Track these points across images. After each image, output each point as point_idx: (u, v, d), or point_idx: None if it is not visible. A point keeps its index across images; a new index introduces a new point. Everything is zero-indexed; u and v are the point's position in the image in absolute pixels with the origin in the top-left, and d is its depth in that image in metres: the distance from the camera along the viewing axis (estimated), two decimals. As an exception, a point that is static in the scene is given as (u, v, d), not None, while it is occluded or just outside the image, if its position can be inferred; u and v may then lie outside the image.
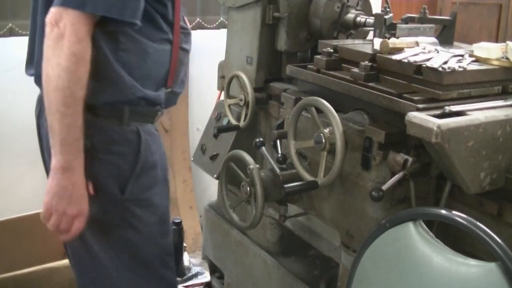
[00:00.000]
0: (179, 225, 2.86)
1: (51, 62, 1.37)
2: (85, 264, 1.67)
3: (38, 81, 1.48)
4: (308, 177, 1.73)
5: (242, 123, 2.29)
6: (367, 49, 1.86)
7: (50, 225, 1.49)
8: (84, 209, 1.48)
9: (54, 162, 1.42)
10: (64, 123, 1.38)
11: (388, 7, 2.13)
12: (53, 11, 1.38)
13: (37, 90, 1.63)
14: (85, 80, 1.39)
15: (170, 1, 1.54)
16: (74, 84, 1.37)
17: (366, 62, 1.76)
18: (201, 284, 2.80)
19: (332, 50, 1.93)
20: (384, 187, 1.53)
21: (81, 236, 1.56)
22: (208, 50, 3.37)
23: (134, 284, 1.63)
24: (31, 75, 1.63)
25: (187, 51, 1.69)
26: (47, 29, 1.38)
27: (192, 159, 2.71)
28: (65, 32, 1.35)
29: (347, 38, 2.28)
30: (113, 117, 1.50)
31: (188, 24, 1.73)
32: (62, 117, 1.38)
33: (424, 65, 1.61)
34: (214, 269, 2.80)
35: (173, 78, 1.62)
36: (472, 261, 1.24)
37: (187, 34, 1.68)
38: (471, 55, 1.75)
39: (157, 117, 1.66)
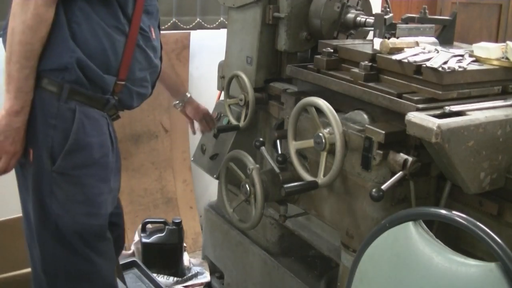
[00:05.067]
0: (179, 225, 2.85)
1: (17, 19, 1.53)
2: (25, 230, 1.78)
3: (4, 38, 1.62)
4: (308, 177, 1.73)
5: (242, 123, 2.29)
6: (367, 49, 1.86)
7: None
8: (20, 151, 1.63)
9: (8, 105, 1.57)
10: (23, 73, 1.56)
11: (388, 7, 2.13)
12: None
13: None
14: (44, 39, 1.57)
15: None
16: (36, 41, 1.55)
17: (366, 62, 1.76)
18: (201, 284, 2.80)
19: (332, 50, 1.93)
20: (384, 187, 1.53)
21: (24, 203, 1.74)
22: (208, 50, 3.37)
23: (56, 254, 1.70)
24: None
25: (146, 53, 1.76)
26: None
27: (192, 159, 2.71)
28: None
29: (347, 38, 2.28)
30: (53, 92, 1.61)
31: (154, 35, 1.81)
32: (21, 68, 1.55)
33: (424, 65, 1.61)
34: (214, 269, 2.80)
35: (126, 72, 1.70)
36: (472, 261, 1.24)
37: (147, 39, 1.77)
38: (471, 55, 1.75)
39: (107, 106, 1.71)
